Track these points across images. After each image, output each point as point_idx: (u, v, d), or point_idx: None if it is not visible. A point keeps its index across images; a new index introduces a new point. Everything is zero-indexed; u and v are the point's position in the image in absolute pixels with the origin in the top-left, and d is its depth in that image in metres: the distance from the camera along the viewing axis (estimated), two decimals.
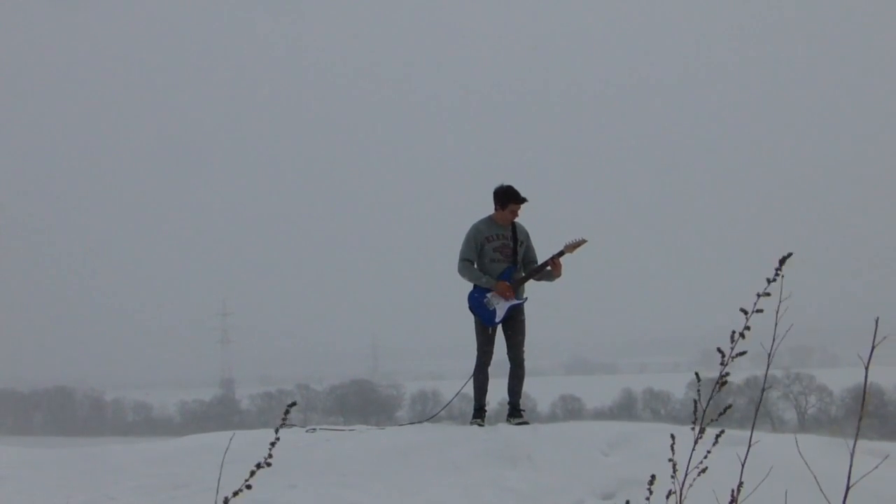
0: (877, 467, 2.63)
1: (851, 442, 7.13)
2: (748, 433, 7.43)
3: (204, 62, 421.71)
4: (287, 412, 2.42)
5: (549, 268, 7.91)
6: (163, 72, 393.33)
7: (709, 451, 2.39)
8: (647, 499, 2.24)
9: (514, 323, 7.98)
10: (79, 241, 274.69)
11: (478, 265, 7.91)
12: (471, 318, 8.12)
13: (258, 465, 2.26)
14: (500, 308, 7.82)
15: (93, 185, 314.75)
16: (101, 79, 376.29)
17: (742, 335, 2.16)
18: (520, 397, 8.09)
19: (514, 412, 8.04)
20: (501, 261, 7.89)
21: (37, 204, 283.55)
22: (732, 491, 2.21)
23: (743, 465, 2.37)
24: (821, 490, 2.32)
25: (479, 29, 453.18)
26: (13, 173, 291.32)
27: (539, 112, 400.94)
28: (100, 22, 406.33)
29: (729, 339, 2.17)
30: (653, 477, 2.31)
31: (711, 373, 2.27)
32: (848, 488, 2.00)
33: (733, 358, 2.17)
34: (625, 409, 73.58)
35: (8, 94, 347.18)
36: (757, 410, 8.27)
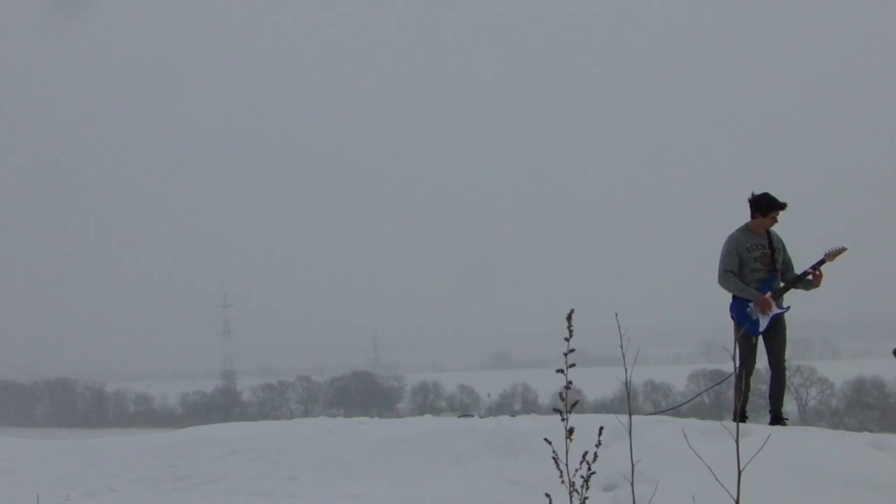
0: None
1: (852, 434, 7.09)
2: (753, 426, 7.41)
3: (208, 56, 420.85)
4: None
5: (809, 277, 7.78)
6: (165, 68, 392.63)
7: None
8: None
9: (775, 332, 7.84)
10: (80, 233, 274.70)
11: (738, 275, 7.81)
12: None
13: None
14: (764, 318, 7.74)
15: (94, 179, 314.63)
16: (103, 76, 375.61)
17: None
18: (781, 405, 7.87)
19: (777, 420, 7.82)
20: (762, 270, 7.81)
21: (38, 198, 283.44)
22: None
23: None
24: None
25: (469, 31, 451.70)
26: (17, 169, 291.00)
27: (535, 107, 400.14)
28: (106, 22, 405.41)
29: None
30: None
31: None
32: (740, 472, 2.08)
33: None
34: (625, 401, 73.28)
35: (16, 92, 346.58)
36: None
